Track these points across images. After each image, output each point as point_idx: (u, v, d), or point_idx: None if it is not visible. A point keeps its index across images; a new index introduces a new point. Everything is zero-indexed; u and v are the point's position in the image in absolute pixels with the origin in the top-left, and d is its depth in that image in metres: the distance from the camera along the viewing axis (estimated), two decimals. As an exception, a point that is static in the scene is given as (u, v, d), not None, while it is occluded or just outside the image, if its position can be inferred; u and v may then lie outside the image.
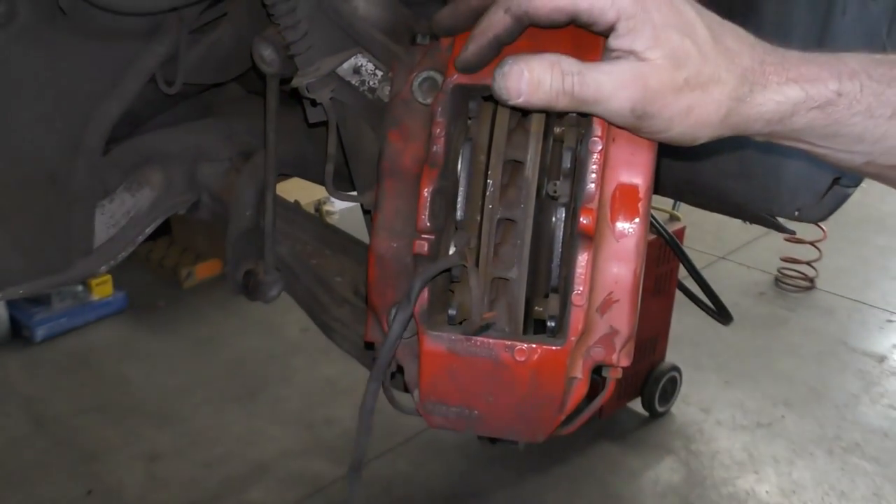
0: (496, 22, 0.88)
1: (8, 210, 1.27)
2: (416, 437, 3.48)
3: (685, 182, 1.67)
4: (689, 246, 3.54)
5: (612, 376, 1.00)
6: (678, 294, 3.55)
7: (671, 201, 3.67)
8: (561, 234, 0.99)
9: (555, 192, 0.98)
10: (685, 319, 3.86)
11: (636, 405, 3.64)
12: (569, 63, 0.85)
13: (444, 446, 3.46)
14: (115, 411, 3.70)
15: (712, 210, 1.74)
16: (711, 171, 1.63)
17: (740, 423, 3.62)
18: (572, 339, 0.95)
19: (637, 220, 0.96)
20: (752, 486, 3.27)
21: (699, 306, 3.46)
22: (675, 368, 3.64)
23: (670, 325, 3.62)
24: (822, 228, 4.39)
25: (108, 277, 4.35)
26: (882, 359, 4.08)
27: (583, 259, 0.94)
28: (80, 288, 4.32)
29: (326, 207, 5.34)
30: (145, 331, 4.37)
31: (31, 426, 3.62)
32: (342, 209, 5.35)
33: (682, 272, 3.42)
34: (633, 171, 0.96)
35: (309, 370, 3.99)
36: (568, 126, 1.00)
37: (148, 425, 3.61)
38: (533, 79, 0.84)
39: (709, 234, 5.19)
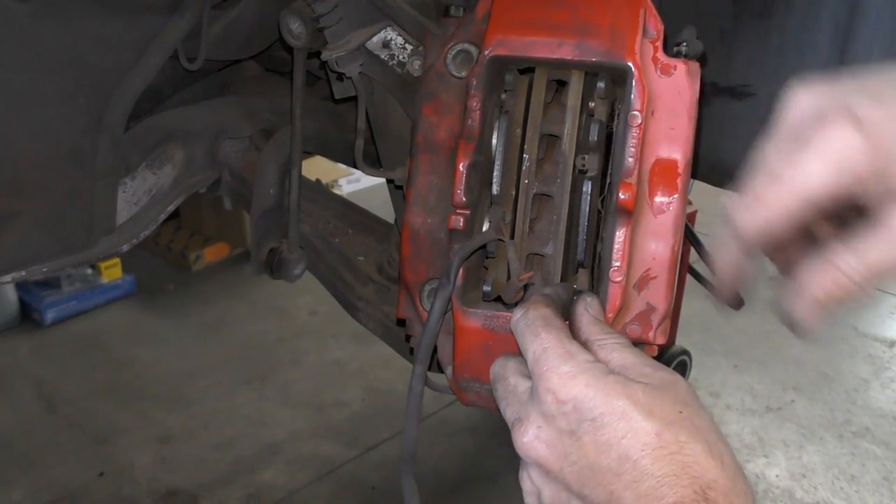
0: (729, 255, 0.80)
1: (31, 187, 1.26)
2: (426, 419, 3.48)
3: (709, 161, 1.66)
4: (699, 230, 3.52)
5: (648, 354, 1.00)
6: (688, 278, 3.54)
7: (683, 185, 3.66)
8: (593, 209, 0.98)
9: (583, 165, 0.97)
10: (695, 303, 3.84)
11: (646, 389, 3.64)
12: (847, 262, 0.70)
13: (455, 428, 3.46)
14: (125, 394, 3.70)
15: (735, 191, 1.72)
16: (736, 150, 1.61)
17: (750, 408, 3.61)
18: (609, 315, 0.94)
19: (676, 195, 0.95)
20: (762, 469, 3.27)
21: (710, 290, 3.45)
22: (685, 352, 3.63)
23: (681, 309, 3.61)
24: (832, 213, 4.37)
25: (117, 261, 4.34)
26: (892, 343, 4.07)
27: (621, 235, 0.93)
28: (89, 271, 4.31)
29: (334, 190, 5.33)
30: (154, 314, 4.36)
31: (41, 409, 3.62)
32: (349, 192, 5.33)
33: (693, 256, 3.40)
34: (672, 146, 0.95)
35: (318, 353, 3.98)
36: (597, 99, 0.99)
37: (158, 408, 3.61)
38: (834, 302, 0.72)
39: (718, 217, 5.16)
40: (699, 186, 2.80)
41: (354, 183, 5.37)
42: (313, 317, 4.21)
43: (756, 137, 1.63)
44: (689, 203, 3.48)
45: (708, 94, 1.62)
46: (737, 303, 3.20)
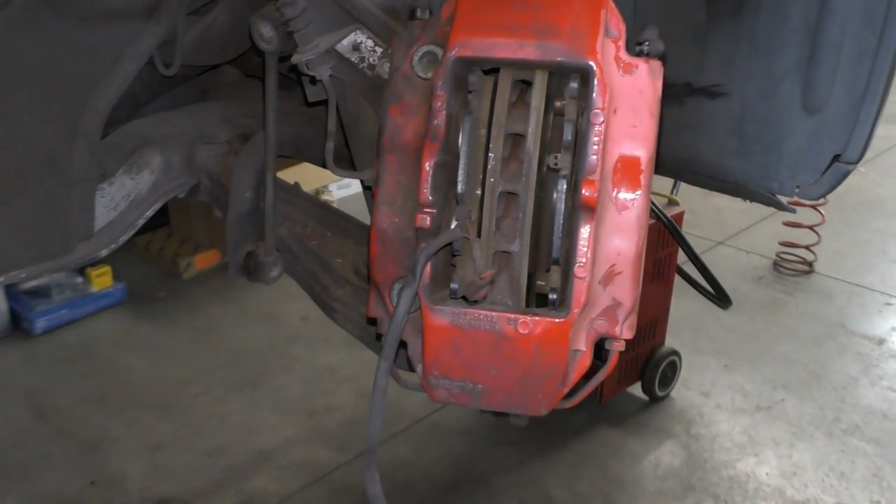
0: None
1: (7, 193, 1.27)
2: (418, 423, 3.49)
3: (685, 161, 1.68)
4: (688, 231, 3.53)
5: (616, 349, 1.01)
6: (677, 279, 3.55)
7: (670, 185, 3.67)
8: (562, 206, 0.99)
9: (556, 164, 0.98)
10: (684, 304, 3.86)
11: (636, 389, 3.64)
12: None
13: (446, 432, 3.46)
14: (116, 402, 3.70)
15: (712, 189, 1.74)
16: (711, 148, 1.63)
17: (740, 407, 3.62)
18: (575, 311, 0.95)
19: (639, 191, 0.97)
20: (753, 468, 3.27)
21: (698, 291, 3.46)
22: (675, 353, 3.64)
23: (670, 310, 3.62)
24: (820, 212, 4.38)
25: (108, 269, 4.34)
26: (881, 341, 4.08)
27: (585, 231, 0.94)
28: (79, 279, 4.30)
29: (324, 196, 5.33)
30: (145, 322, 4.36)
31: (32, 418, 3.62)
32: (341, 198, 5.34)
33: (682, 257, 3.42)
34: (635, 143, 0.96)
35: (309, 359, 3.98)
36: (569, 99, 1.00)
37: (149, 415, 3.61)
38: None
39: (707, 218, 5.18)
40: (687, 188, 2.81)
41: (345, 188, 5.38)
42: (304, 322, 4.21)
43: (730, 137, 1.66)
44: (677, 204, 3.50)
45: (682, 95, 1.64)
46: (726, 302, 3.20)
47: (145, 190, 1.44)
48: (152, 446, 3.42)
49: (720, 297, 3.38)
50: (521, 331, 0.95)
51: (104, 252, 1.39)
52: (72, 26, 1.25)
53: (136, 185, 1.43)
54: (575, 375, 0.99)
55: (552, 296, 0.98)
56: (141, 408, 3.65)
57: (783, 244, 4.75)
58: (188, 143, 1.48)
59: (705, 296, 3.45)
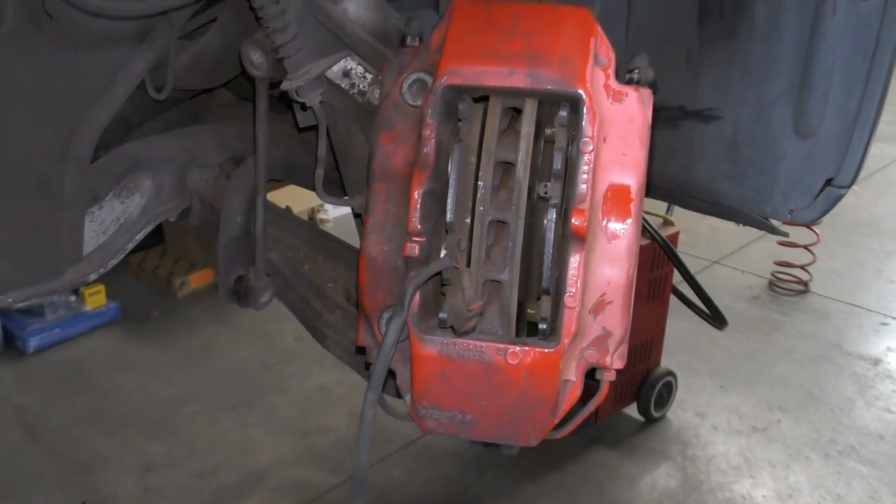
0: None
1: (-4, 217, 1.26)
2: (411, 445, 3.47)
3: (679, 185, 1.68)
4: (683, 251, 3.53)
5: (606, 379, 1.00)
6: (673, 299, 3.54)
7: (665, 206, 3.67)
8: (552, 235, 0.98)
9: (545, 193, 0.98)
10: (680, 324, 3.85)
11: (632, 410, 3.62)
12: None
13: (439, 454, 3.44)
14: (108, 422, 3.68)
15: (706, 213, 1.74)
16: (705, 172, 1.63)
17: (736, 428, 3.61)
18: (565, 341, 0.94)
19: (629, 220, 0.96)
20: (749, 490, 3.26)
21: (694, 311, 3.45)
22: (671, 373, 3.63)
23: (665, 330, 3.61)
24: (815, 232, 4.38)
25: (102, 287, 4.33)
26: (877, 362, 4.08)
27: (575, 260, 0.93)
28: (73, 298, 4.29)
29: (320, 216, 5.33)
30: (139, 341, 4.34)
31: (24, 437, 3.59)
32: (336, 217, 5.34)
33: (677, 277, 3.41)
34: (625, 171, 0.96)
35: (303, 379, 3.97)
36: (558, 127, 1.00)
37: (142, 436, 3.59)
38: None
39: (703, 238, 5.18)
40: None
41: (340, 208, 5.38)
42: (299, 342, 4.19)
43: (723, 160, 1.66)
44: (672, 223, 3.49)
45: (676, 118, 1.64)
46: (721, 322, 3.20)
47: (135, 213, 1.43)
48: (144, 467, 3.39)
49: (716, 318, 3.37)
50: (510, 361, 0.94)
51: (93, 276, 1.38)
52: (63, 49, 1.25)
53: (126, 208, 1.42)
54: (565, 406, 0.97)
55: (542, 325, 0.97)
56: (133, 428, 3.62)
57: (778, 264, 4.75)
58: (179, 167, 1.47)
59: (701, 316, 3.44)
